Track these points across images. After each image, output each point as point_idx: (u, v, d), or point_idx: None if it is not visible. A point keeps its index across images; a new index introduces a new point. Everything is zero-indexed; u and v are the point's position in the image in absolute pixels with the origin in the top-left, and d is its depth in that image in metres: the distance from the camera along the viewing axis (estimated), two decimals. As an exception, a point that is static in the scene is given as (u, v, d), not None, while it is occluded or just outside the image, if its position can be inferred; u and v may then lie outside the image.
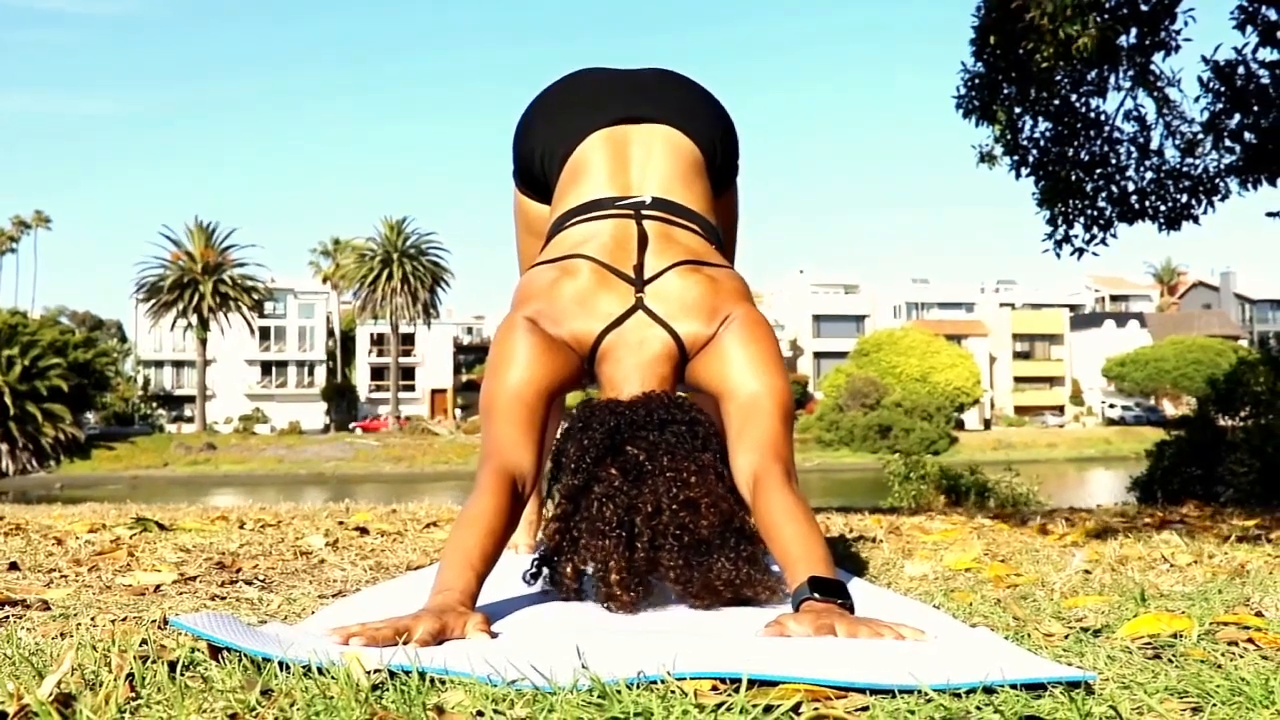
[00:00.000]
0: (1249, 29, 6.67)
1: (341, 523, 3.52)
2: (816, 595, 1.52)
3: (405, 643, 1.35)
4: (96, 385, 50.55)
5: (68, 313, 70.11)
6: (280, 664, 1.20)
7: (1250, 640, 1.41)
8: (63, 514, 4.04)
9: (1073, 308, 70.39)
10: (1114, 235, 7.71)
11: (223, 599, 1.85)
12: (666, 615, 1.69)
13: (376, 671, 1.17)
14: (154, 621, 1.53)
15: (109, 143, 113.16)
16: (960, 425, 55.26)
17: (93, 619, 1.56)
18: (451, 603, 1.49)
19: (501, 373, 1.86)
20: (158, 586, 1.99)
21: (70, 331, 52.87)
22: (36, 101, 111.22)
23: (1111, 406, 62.33)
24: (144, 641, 1.32)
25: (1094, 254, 7.81)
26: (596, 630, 1.52)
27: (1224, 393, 10.18)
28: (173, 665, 1.20)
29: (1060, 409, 64.03)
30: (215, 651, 1.25)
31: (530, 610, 1.70)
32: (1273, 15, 6.55)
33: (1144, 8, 6.94)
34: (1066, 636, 1.47)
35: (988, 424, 59.88)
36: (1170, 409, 51.36)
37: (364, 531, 3.18)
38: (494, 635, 1.45)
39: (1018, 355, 64.44)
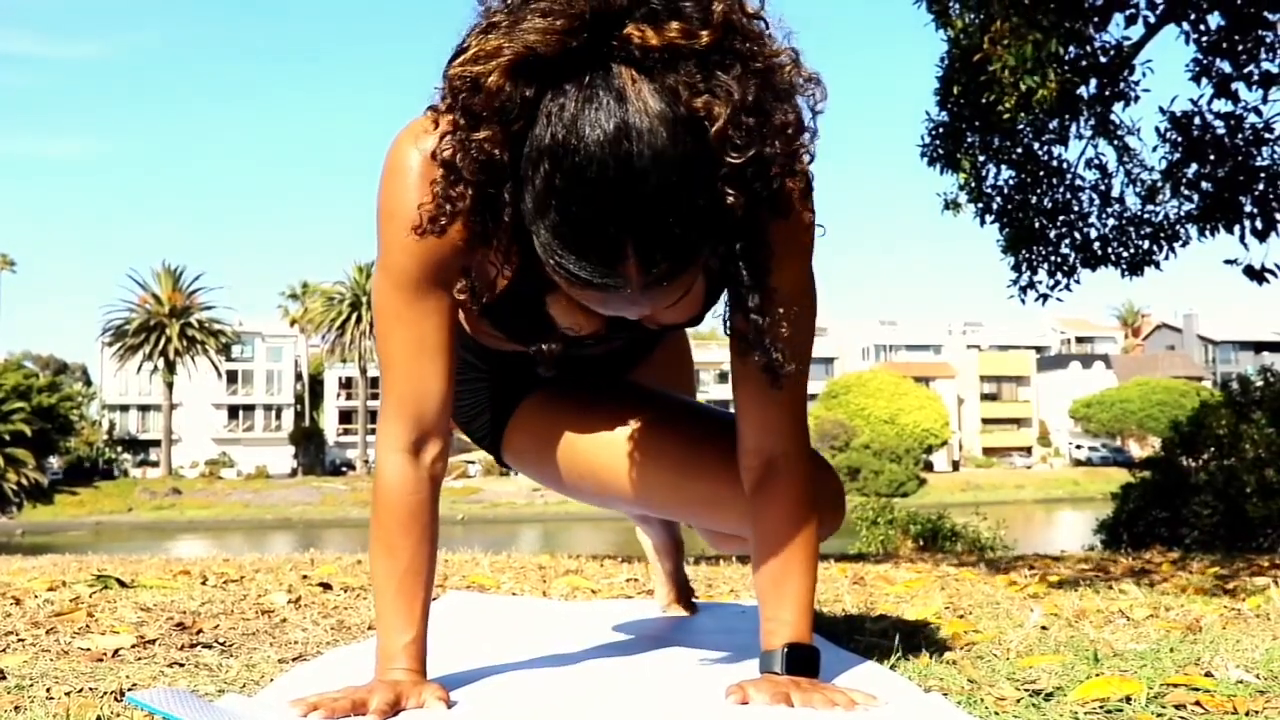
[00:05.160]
0: (1204, 81, 6.81)
1: (305, 576, 3.50)
2: (780, 670, 1.53)
3: (361, 714, 1.35)
4: (60, 430, 50.05)
5: (31, 356, 69.51)
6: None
7: (1198, 703, 1.43)
8: (22, 568, 3.99)
9: (1039, 349, 70.99)
10: (1077, 281, 7.81)
11: (181, 665, 1.84)
12: (624, 677, 1.69)
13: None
14: (110, 692, 1.53)
15: (76, 186, 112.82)
16: (929, 467, 55.49)
17: (48, 690, 1.55)
18: (404, 672, 1.49)
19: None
20: (116, 651, 1.98)
21: (34, 375, 52.41)
22: (2, 143, 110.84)
23: (1078, 448, 62.74)
24: (99, 717, 1.31)
25: (1058, 300, 7.90)
26: (555, 700, 1.52)
27: (1187, 435, 10.26)
28: (127, 741, 1.19)
29: (1028, 450, 64.41)
30: (170, 727, 1.25)
31: (488, 676, 1.70)
32: (1226, 68, 6.68)
33: (1103, 60, 7.06)
34: (1019, 700, 1.49)
35: (956, 465, 60.15)
36: (1137, 450, 51.75)
37: (327, 587, 3.17)
38: (450, 704, 1.46)
39: (985, 397, 64.88)
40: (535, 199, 1.22)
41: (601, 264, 1.22)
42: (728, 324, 1.49)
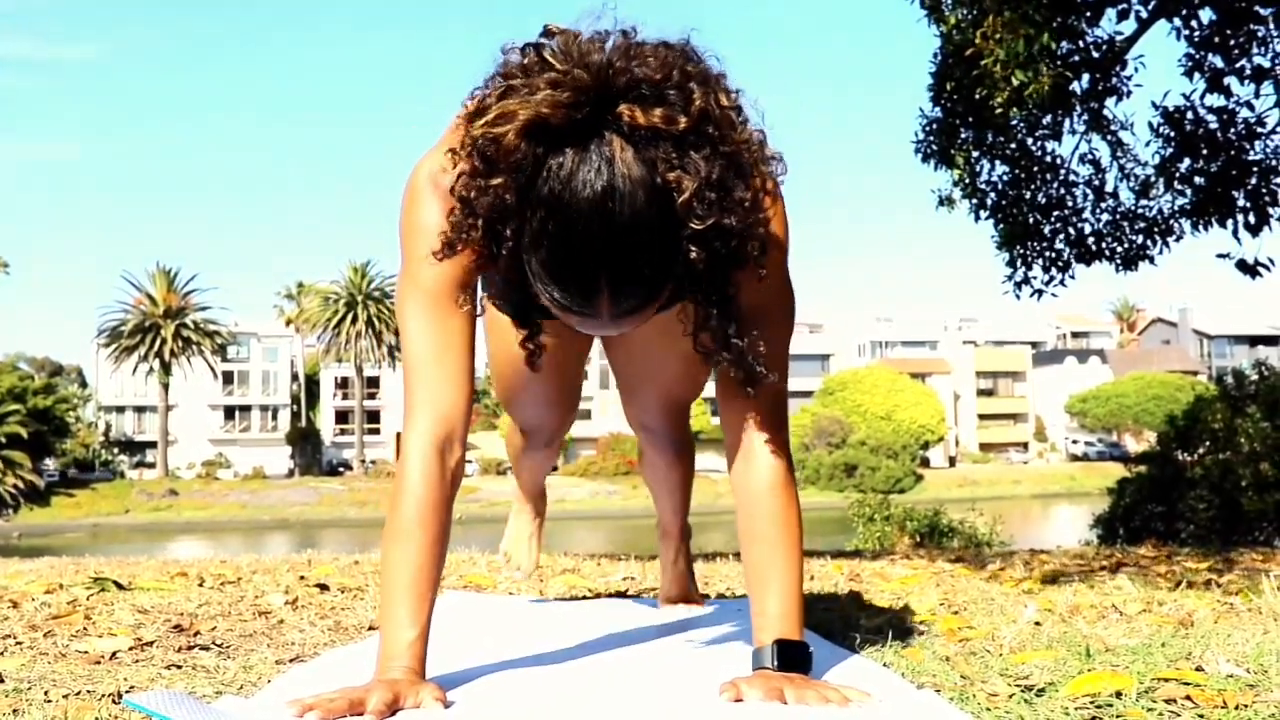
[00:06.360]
0: (1196, 76, 6.81)
1: (303, 577, 3.50)
2: (771, 666, 1.56)
3: (358, 714, 1.37)
4: (56, 432, 50.02)
5: (27, 358, 69.45)
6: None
7: (1188, 698, 1.44)
8: (19, 571, 4.00)
9: (1035, 344, 71.01)
10: (1072, 276, 7.80)
11: (179, 667, 1.85)
12: (620, 676, 1.70)
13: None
14: (108, 695, 1.54)
15: (70, 187, 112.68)
16: (925, 463, 55.54)
17: (46, 693, 1.56)
18: (403, 671, 1.50)
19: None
20: (114, 653, 1.98)
21: (29, 377, 52.34)
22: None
23: (1075, 443, 62.80)
24: None
25: (1053, 295, 7.90)
26: (551, 699, 1.53)
27: (1183, 430, 10.28)
28: (125, 744, 1.20)
29: (1024, 445, 64.46)
30: (167, 729, 1.26)
31: (486, 675, 1.71)
32: (1218, 63, 6.68)
33: (1095, 55, 7.06)
34: (1011, 696, 1.50)
35: (953, 461, 60.19)
36: (1133, 444, 51.80)
37: (324, 588, 3.18)
38: (448, 704, 1.47)
39: (981, 392, 64.90)
40: (531, 236, 1.43)
41: (580, 296, 1.43)
42: (696, 340, 1.62)
